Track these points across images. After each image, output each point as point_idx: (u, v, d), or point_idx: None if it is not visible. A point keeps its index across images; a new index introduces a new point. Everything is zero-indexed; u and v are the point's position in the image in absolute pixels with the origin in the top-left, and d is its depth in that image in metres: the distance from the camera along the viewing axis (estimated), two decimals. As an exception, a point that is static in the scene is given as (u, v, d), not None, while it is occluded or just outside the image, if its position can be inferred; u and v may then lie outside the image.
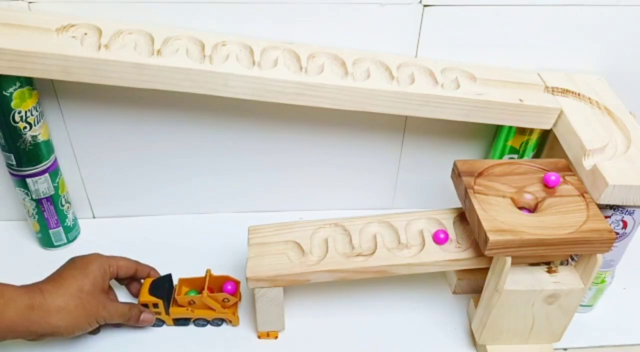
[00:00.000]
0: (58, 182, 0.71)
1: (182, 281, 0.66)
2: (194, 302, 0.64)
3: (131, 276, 0.66)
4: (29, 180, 0.68)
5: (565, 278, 0.57)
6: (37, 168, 0.67)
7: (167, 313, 0.64)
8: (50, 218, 0.71)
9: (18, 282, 0.57)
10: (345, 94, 0.63)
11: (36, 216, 0.71)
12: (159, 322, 0.65)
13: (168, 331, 0.65)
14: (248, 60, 0.63)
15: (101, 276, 0.61)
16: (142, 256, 0.73)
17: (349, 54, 0.65)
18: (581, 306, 0.68)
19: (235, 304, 0.66)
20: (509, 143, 0.71)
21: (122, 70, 0.59)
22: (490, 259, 0.58)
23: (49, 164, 0.68)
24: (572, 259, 0.63)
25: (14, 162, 0.66)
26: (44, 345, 0.62)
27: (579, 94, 0.67)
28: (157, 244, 0.75)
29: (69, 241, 0.75)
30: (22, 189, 0.69)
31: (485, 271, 0.60)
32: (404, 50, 0.68)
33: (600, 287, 0.66)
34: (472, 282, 0.70)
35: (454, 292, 0.71)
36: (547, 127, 0.67)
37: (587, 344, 0.66)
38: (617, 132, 0.63)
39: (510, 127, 0.70)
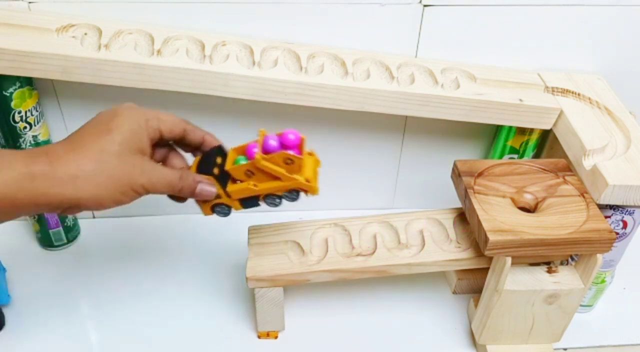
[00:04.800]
0: (58, 182, 0.71)
1: (234, 150, 0.52)
2: (252, 173, 0.50)
3: (178, 138, 0.51)
4: (29, 180, 0.68)
5: (565, 278, 0.57)
6: (37, 168, 0.67)
7: (227, 194, 0.51)
8: (50, 218, 0.71)
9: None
10: (345, 94, 0.63)
11: (36, 216, 0.71)
12: (226, 210, 0.52)
13: (166, 330, 0.65)
14: (248, 60, 0.63)
15: (133, 133, 0.46)
16: (142, 256, 0.73)
17: (349, 54, 0.65)
18: (581, 306, 0.68)
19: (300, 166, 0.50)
20: (509, 143, 0.71)
21: (122, 70, 0.59)
22: (490, 259, 0.58)
23: (49, 164, 0.68)
24: (572, 259, 0.63)
25: (14, 162, 0.66)
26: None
27: (579, 94, 0.67)
28: (157, 244, 0.75)
29: (69, 241, 0.75)
30: (22, 189, 0.69)
31: (485, 271, 0.60)
32: (404, 50, 0.68)
33: (600, 287, 0.66)
34: (472, 282, 0.70)
35: (454, 292, 0.71)
36: (547, 127, 0.67)
37: (587, 344, 0.66)
38: (617, 132, 0.63)
39: (510, 127, 0.70)
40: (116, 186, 0.45)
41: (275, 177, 0.49)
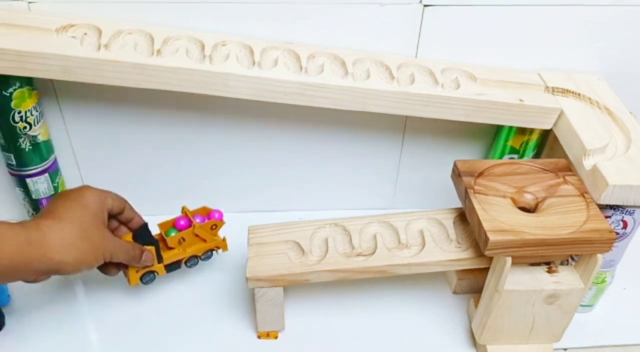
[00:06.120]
0: (58, 182, 0.71)
1: (162, 225, 0.64)
2: (184, 240, 0.62)
3: (117, 214, 0.60)
4: (28, 180, 0.68)
5: (566, 278, 0.57)
6: (36, 168, 0.67)
7: (160, 261, 0.62)
8: (50, 218, 0.71)
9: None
10: (345, 94, 0.63)
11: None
12: (152, 277, 0.63)
13: (166, 330, 0.65)
14: (248, 60, 0.63)
15: (99, 208, 0.56)
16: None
17: (349, 54, 0.65)
18: (581, 306, 0.68)
19: (220, 228, 0.65)
20: (509, 143, 0.71)
21: (122, 71, 0.59)
22: (491, 259, 0.58)
23: (48, 164, 0.68)
24: (572, 259, 0.63)
25: (14, 162, 0.66)
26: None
27: (579, 94, 0.67)
28: (157, 244, 0.75)
29: (69, 241, 0.75)
30: (22, 189, 0.69)
31: (485, 271, 0.60)
32: (404, 50, 0.68)
33: (600, 287, 0.66)
34: (472, 282, 0.70)
35: (454, 292, 0.71)
36: (548, 127, 0.67)
37: (587, 344, 0.66)
38: (617, 132, 0.63)
39: (511, 127, 0.70)
40: (94, 252, 0.53)
41: (202, 240, 0.63)
